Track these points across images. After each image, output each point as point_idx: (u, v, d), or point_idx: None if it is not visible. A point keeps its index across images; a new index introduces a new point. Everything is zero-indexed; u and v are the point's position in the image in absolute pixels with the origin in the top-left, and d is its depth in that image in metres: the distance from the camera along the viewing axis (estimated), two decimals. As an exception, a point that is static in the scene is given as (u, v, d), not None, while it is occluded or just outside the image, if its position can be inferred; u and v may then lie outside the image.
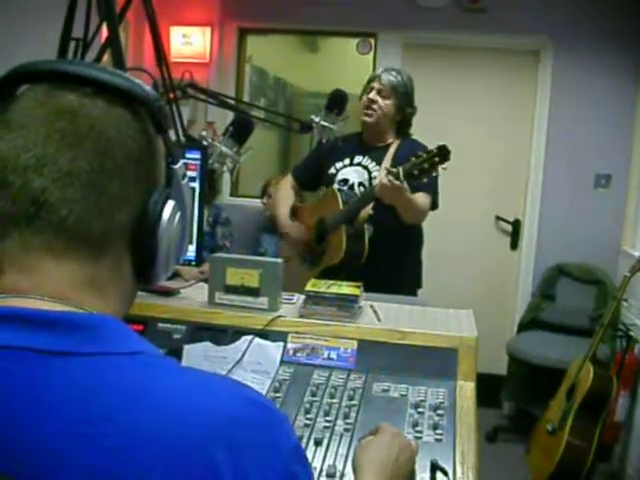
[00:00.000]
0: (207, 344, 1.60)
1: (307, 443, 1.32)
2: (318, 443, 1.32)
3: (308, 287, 1.74)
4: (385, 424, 1.15)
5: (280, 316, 1.67)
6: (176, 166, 0.79)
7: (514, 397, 4.27)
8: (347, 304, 1.70)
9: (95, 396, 0.63)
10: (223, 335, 1.62)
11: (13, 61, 0.77)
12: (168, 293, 1.84)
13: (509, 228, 4.61)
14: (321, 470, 1.25)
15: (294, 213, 3.05)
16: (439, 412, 1.41)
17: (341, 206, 2.75)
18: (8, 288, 0.69)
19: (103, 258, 0.72)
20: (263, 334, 1.61)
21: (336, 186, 2.88)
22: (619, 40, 4.24)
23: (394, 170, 2.47)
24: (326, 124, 2.40)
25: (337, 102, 2.43)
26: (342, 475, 1.24)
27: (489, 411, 4.07)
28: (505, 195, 4.59)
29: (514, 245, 4.61)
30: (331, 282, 1.80)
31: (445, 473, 1.21)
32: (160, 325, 1.67)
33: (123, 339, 0.70)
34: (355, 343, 1.59)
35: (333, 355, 1.58)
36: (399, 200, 2.55)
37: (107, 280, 0.73)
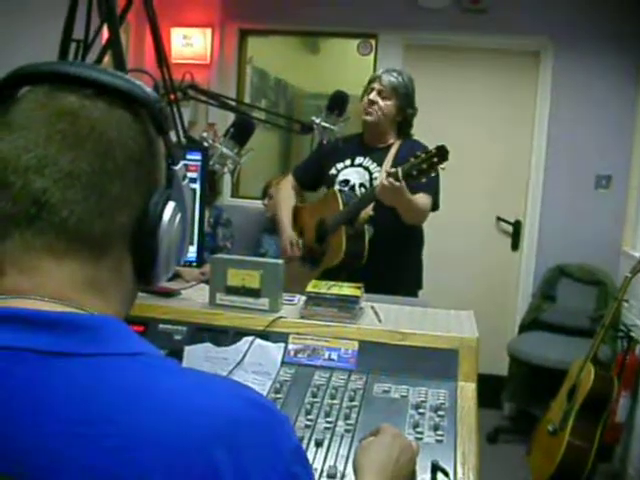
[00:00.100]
0: (208, 345, 1.60)
1: (308, 444, 1.32)
2: (319, 444, 1.32)
3: (309, 288, 1.74)
4: (386, 425, 1.15)
5: (281, 317, 1.67)
6: (177, 167, 0.79)
7: (515, 398, 4.27)
8: (348, 305, 1.70)
9: (95, 397, 0.63)
10: (224, 336, 1.62)
11: (13, 62, 0.77)
12: (169, 294, 1.84)
13: (510, 229, 4.60)
14: (322, 471, 1.25)
15: (295, 214, 3.05)
16: (440, 413, 1.41)
17: (341, 207, 2.75)
18: (9, 289, 0.69)
19: (104, 259, 0.72)
20: (264, 335, 1.61)
21: (337, 187, 2.88)
22: (619, 41, 4.24)
23: (393, 171, 2.47)
24: (327, 125, 2.40)
25: (338, 103, 2.43)
26: (343, 476, 1.23)
27: (490, 412, 4.07)
28: (506, 196, 4.59)
29: (515, 246, 4.61)
30: (332, 283, 1.80)
31: (446, 474, 1.21)
32: (161, 326, 1.67)
33: (124, 340, 0.70)
34: (356, 344, 1.60)
35: (334, 356, 1.59)
36: (399, 201, 2.55)
37: (108, 281, 0.73)
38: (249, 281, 1.73)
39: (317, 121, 2.41)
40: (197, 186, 1.82)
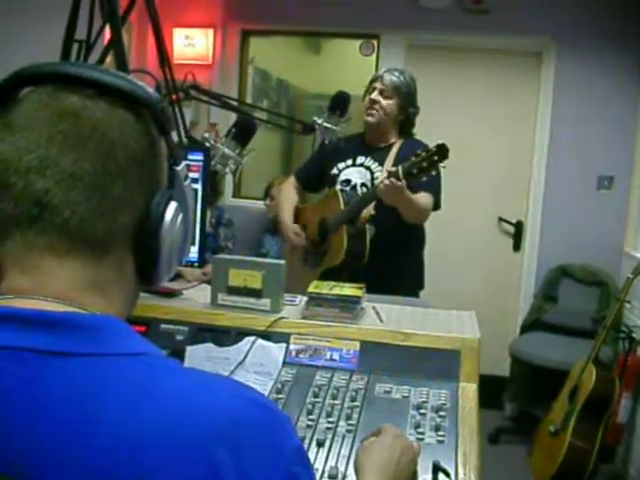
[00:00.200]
0: (209, 345, 1.60)
1: (309, 444, 1.32)
2: (320, 444, 1.32)
3: (310, 288, 1.74)
4: (387, 425, 1.15)
5: (282, 317, 1.67)
6: (179, 167, 0.79)
7: (516, 398, 4.27)
8: (349, 305, 1.70)
9: (93, 396, 0.63)
10: (225, 336, 1.62)
11: (14, 62, 0.77)
12: (171, 294, 1.84)
13: (511, 229, 4.60)
14: (323, 471, 1.24)
15: (296, 214, 3.05)
16: (441, 413, 1.41)
17: (342, 206, 2.75)
18: (10, 289, 0.69)
19: (106, 259, 0.72)
20: (266, 335, 1.61)
21: (338, 187, 2.88)
22: (622, 41, 4.23)
23: (393, 169, 2.47)
24: (328, 126, 2.41)
25: (340, 104, 2.43)
26: (344, 476, 1.23)
27: (491, 412, 4.07)
28: (508, 196, 4.59)
29: (517, 246, 4.61)
30: (333, 283, 1.80)
31: (447, 474, 1.21)
32: (162, 326, 1.67)
33: (125, 340, 0.70)
34: (357, 344, 1.60)
35: (335, 356, 1.59)
36: (400, 200, 2.55)
37: (110, 281, 0.73)
38: (251, 281, 1.73)
39: (319, 121, 2.41)
40: (199, 186, 1.82)
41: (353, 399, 1.46)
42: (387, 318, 1.76)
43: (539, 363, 3.83)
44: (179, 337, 1.65)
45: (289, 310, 1.75)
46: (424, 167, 2.40)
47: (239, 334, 1.61)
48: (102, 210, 0.70)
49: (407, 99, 2.88)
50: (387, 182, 2.46)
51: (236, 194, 4.92)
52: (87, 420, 0.61)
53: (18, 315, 0.66)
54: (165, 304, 1.74)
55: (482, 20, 4.40)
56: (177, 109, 2.06)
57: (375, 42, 4.66)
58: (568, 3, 4.31)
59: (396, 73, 2.88)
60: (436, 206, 2.78)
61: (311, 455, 1.28)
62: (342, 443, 1.33)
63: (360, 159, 2.91)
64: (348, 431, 1.36)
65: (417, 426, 1.37)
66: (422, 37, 4.53)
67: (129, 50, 4.15)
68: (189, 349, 1.60)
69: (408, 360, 1.56)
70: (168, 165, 0.78)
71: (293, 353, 1.60)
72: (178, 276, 2.03)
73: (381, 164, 2.85)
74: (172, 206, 0.76)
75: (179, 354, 1.58)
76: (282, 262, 1.78)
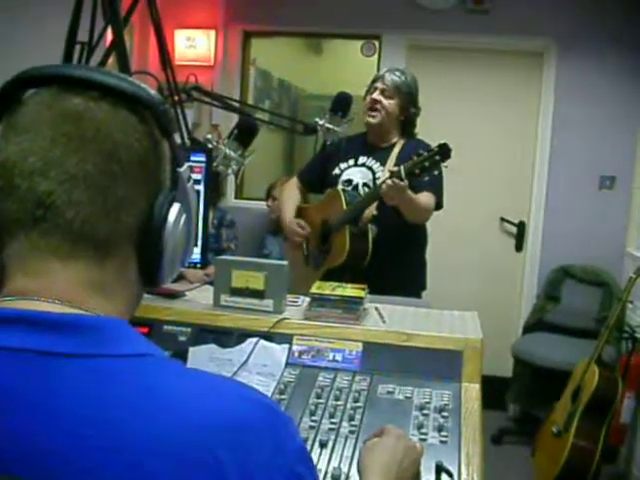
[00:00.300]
0: (212, 346, 1.60)
1: (312, 445, 1.32)
2: (323, 445, 1.32)
3: (313, 289, 1.74)
4: (390, 426, 1.15)
5: (285, 318, 1.67)
6: (181, 169, 0.79)
7: (519, 399, 4.26)
8: (352, 306, 1.70)
9: (95, 398, 0.63)
10: (228, 337, 1.62)
11: (17, 64, 0.77)
12: (173, 295, 1.84)
13: (514, 230, 4.60)
14: (326, 472, 1.25)
15: (299, 214, 3.05)
16: (444, 414, 1.41)
17: (344, 206, 2.75)
18: (14, 290, 0.69)
19: (109, 260, 0.72)
20: (268, 336, 1.61)
21: (340, 187, 2.88)
22: (623, 41, 4.23)
23: (395, 169, 2.47)
24: (330, 126, 2.40)
25: (341, 104, 2.43)
26: (347, 477, 1.23)
27: (494, 413, 4.07)
28: (510, 197, 4.59)
29: (519, 247, 4.61)
30: (336, 284, 1.80)
31: (450, 475, 1.21)
32: (165, 327, 1.67)
33: (128, 341, 0.70)
34: (360, 345, 1.59)
35: (338, 357, 1.58)
36: (402, 200, 2.54)
37: (113, 282, 0.73)
38: (253, 282, 1.73)
39: (321, 122, 2.41)
40: (201, 187, 1.82)
41: (356, 400, 1.46)
42: (390, 319, 1.75)
43: (541, 363, 3.82)
44: (182, 338, 1.65)
45: (292, 311, 1.75)
46: (426, 167, 2.40)
47: (242, 335, 1.61)
48: (105, 211, 0.70)
49: (408, 99, 2.87)
50: (389, 182, 2.46)
51: (238, 195, 4.93)
52: (90, 421, 0.62)
53: (22, 317, 0.66)
54: (168, 305, 1.75)
55: (483, 21, 4.40)
56: (179, 110, 2.06)
57: (376, 43, 4.66)
58: (569, 4, 4.31)
59: (397, 73, 2.88)
60: (438, 206, 2.78)
61: (314, 456, 1.28)
62: (345, 444, 1.33)
63: (362, 159, 2.91)
64: (351, 432, 1.36)
65: (420, 427, 1.37)
66: (423, 38, 4.53)
67: (131, 52, 4.15)
68: (192, 350, 1.60)
69: (411, 361, 1.56)
70: (171, 166, 0.78)
71: (296, 354, 1.60)
72: (181, 277, 2.04)
73: (383, 164, 2.85)
74: (175, 207, 0.76)
75: (182, 355, 1.58)
76: (284, 263, 1.78)
